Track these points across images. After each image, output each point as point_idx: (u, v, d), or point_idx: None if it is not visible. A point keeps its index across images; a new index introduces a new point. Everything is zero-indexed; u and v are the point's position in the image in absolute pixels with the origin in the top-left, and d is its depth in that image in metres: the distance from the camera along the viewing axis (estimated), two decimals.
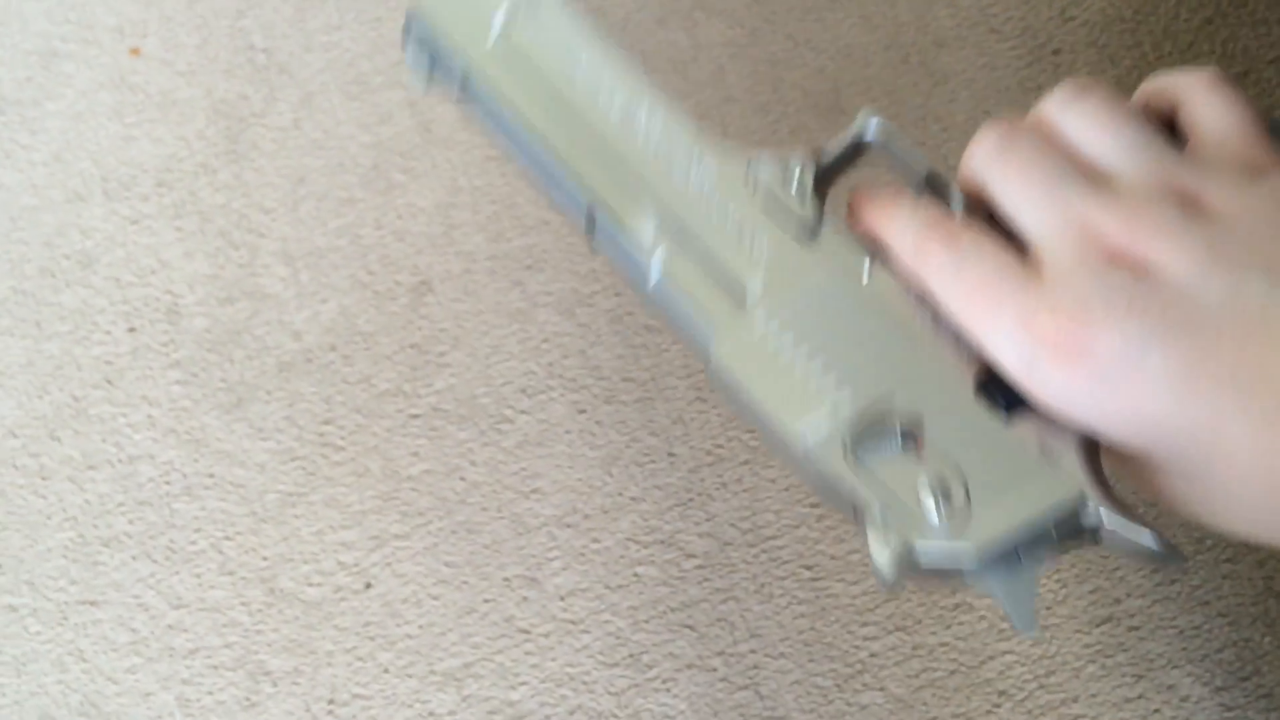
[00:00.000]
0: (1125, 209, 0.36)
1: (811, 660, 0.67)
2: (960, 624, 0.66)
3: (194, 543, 0.75)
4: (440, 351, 0.79)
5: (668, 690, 0.68)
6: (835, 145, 0.42)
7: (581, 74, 0.42)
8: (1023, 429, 0.35)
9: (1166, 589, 0.65)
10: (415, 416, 0.77)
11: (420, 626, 0.71)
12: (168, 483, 0.77)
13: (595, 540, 0.72)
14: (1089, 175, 0.37)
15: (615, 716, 0.67)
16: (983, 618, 0.66)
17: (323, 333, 0.80)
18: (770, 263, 0.38)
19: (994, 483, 0.34)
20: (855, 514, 0.36)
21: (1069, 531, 0.35)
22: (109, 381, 0.81)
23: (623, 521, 0.72)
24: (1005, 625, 0.66)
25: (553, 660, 0.69)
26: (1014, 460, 0.35)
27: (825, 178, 0.42)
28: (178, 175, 0.88)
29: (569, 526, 0.72)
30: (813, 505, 0.71)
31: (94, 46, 0.94)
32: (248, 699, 0.70)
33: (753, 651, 0.68)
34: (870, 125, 0.43)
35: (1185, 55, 0.80)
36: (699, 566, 0.70)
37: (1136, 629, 0.65)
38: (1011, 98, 0.81)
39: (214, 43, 0.92)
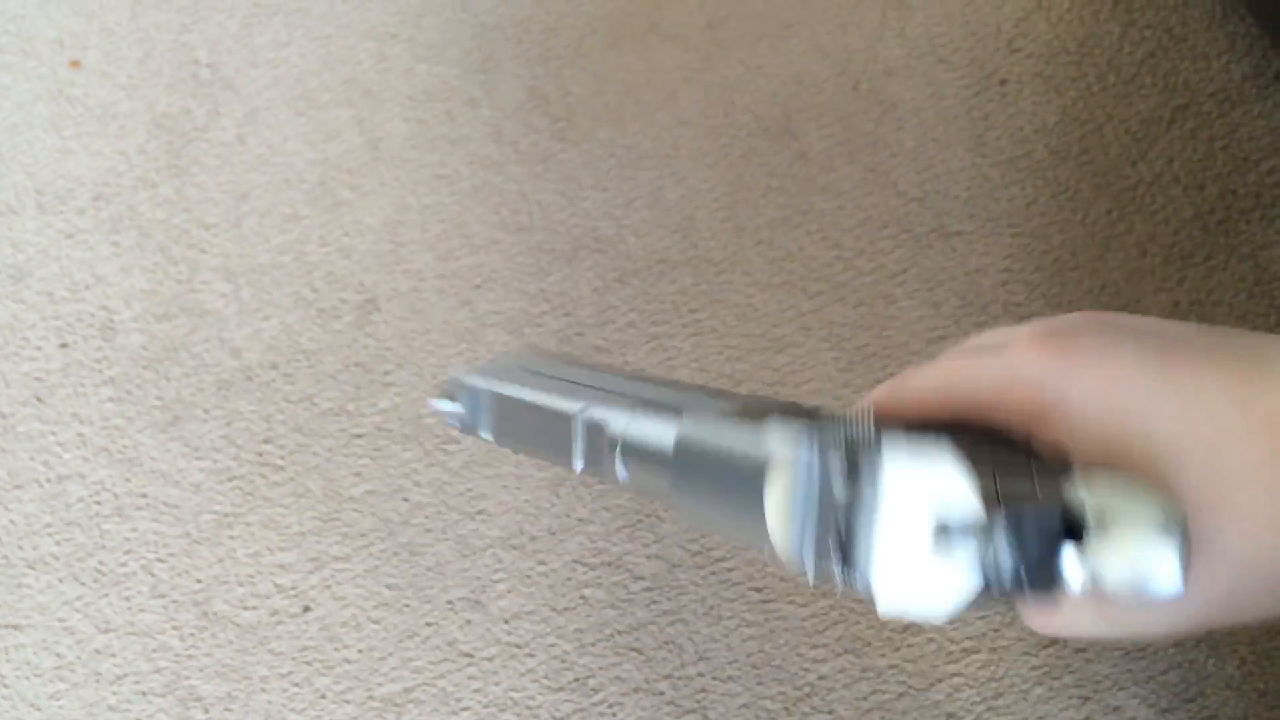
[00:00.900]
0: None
1: (760, 683, 0.66)
2: (909, 646, 0.66)
3: (124, 564, 0.72)
4: (385, 370, 0.77)
5: (614, 715, 0.66)
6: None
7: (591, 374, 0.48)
8: None
9: None
10: (358, 436, 0.75)
11: (360, 651, 0.69)
12: (98, 503, 0.74)
13: (542, 562, 0.70)
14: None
15: None
16: (931, 640, 0.66)
17: (264, 350, 0.79)
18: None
19: None
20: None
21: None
22: (38, 398, 0.78)
23: (570, 543, 0.71)
24: (954, 648, 0.66)
25: (496, 685, 0.67)
26: None
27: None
28: (116, 189, 0.86)
29: (515, 548, 0.71)
30: None
31: (32, 58, 0.92)
32: None
33: (701, 675, 0.66)
34: None
35: (1128, 87, 0.82)
36: (647, 589, 0.69)
37: (1083, 651, 0.65)
38: (959, 126, 0.82)
39: (157, 57, 0.91)
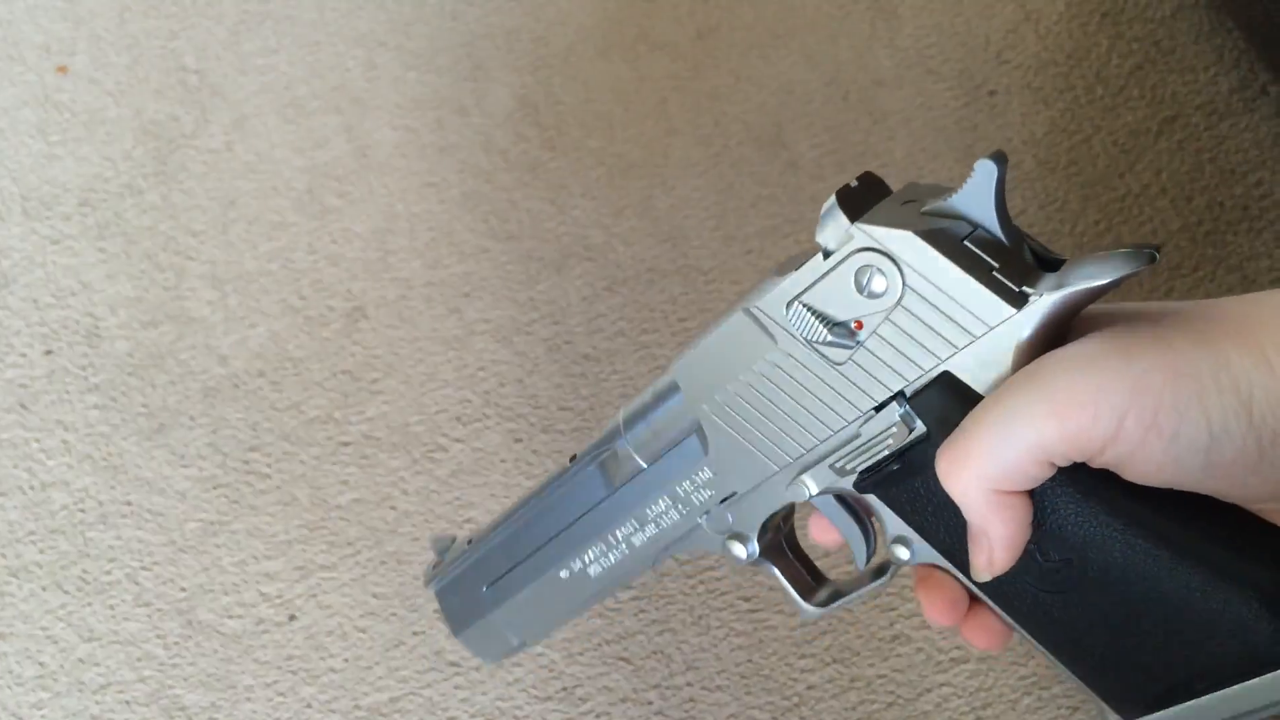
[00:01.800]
0: None
1: (749, 693, 0.66)
2: (898, 656, 0.66)
3: (108, 573, 0.72)
4: (373, 378, 0.77)
5: None
6: None
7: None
8: None
9: None
10: (345, 444, 0.75)
11: (346, 660, 0.69)
12: (82, 510, 0.74)
13: None
14: None
15: None
16: (920, 649, 0.66)
17: (251, 358, 0.78)
18: None
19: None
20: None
21: None
22: (23, 405, 0.77)
23: None
24: (943, 658, 0.66)
25: (483, 694, 0.67)
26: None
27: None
28: (102, 195, 0.85)
29: None
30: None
31: (19, 63, 0.91)
32: None
33: (689, 684, 0.66)
34: None
35: (1116, 99, 0.82)
36: (635, 598, 0.69)
37: None
38: (948, 136, 0.82)
39: (144, 63, 0.91)
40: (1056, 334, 0.34)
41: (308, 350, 0.78)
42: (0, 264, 0.83)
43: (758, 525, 0.43)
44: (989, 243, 0.34)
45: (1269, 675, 0.33)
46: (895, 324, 0.35)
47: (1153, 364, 0.32)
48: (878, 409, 0.37)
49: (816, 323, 0.36)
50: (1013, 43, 0.85)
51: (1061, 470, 0.34)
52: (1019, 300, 0.33)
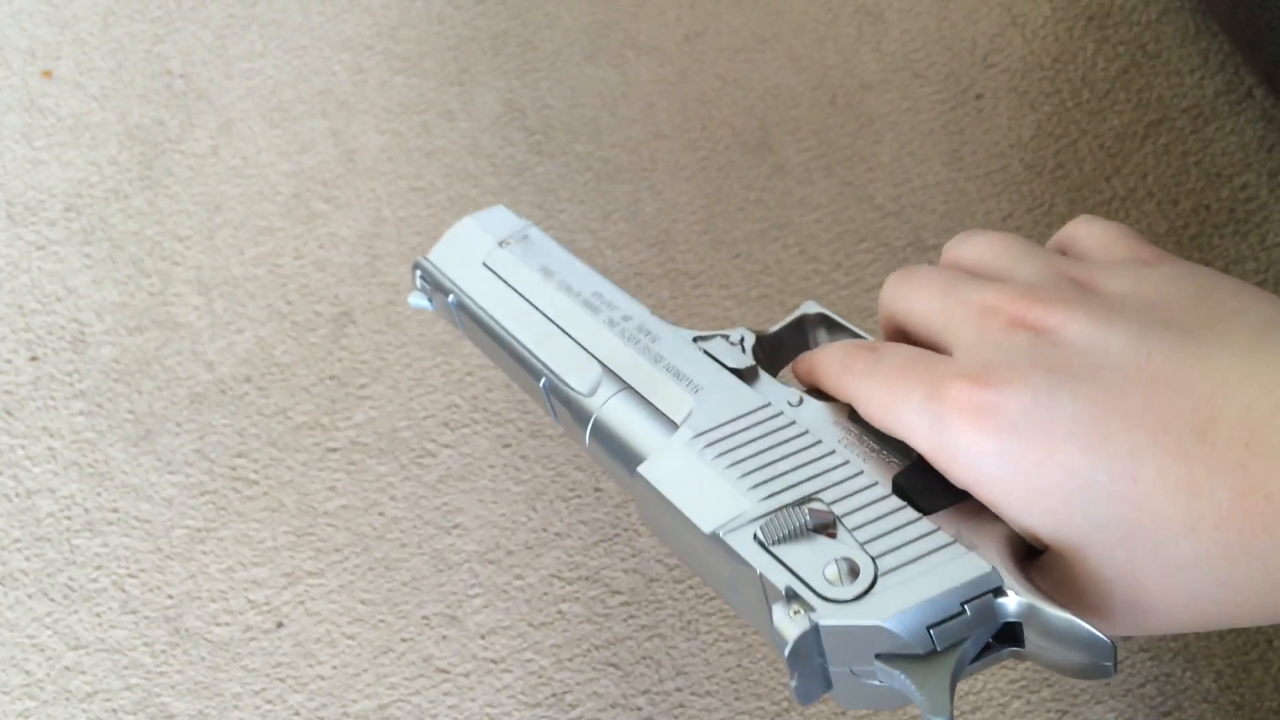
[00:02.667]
0: (1020, 288, 0.37)
1: (738, 698, 0.66)
2: None
3: (95, 580, 0.71)
4: (361, 384, 0.77)
5: None
6: (777, 325, 0.48)
7: (554, 279, 0.51)
8: (942, 523, 0.35)
9: None
10: (333, 450, 0.75)
11: (334, 667, 0.68)
12: (68, 517, 0.73)
13: (518, 577, 0.70)
14: (984, 276, 0.39)
15: None
16: None
17: (237, 363, 0.78)
18: (703, 394, 0.43)
19: (904, 565, 0.34)
20: (765, 597, 0.35)
21: (984, 617, 0.34)
22: (8, 412, 0.77)
23: (546, 557, 0.70)
24: None
25: (472, 701, 0.67)
26: (927, 547, 0.35)
27: (769, 346, 0.46)
28: (88, 201, 0.85)
29: (491, 563, 0.70)
30: None
31: (3, 68, 0.91)
32: None
33: (679, 690, 0.66)
34: (809, 305, 0.48)
35: (1102, 103, 0.83)
36: (624, 603, 0.69)
37: None
38: (935, 140, 0.82)
39: (129, 67, 0.90)
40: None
41: (295, 356, 0.78)
42: None
43: None
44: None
45: None
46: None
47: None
48: None
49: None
50: (999, 46, 0.86)
51: None
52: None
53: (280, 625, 0.70)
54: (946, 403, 0.34)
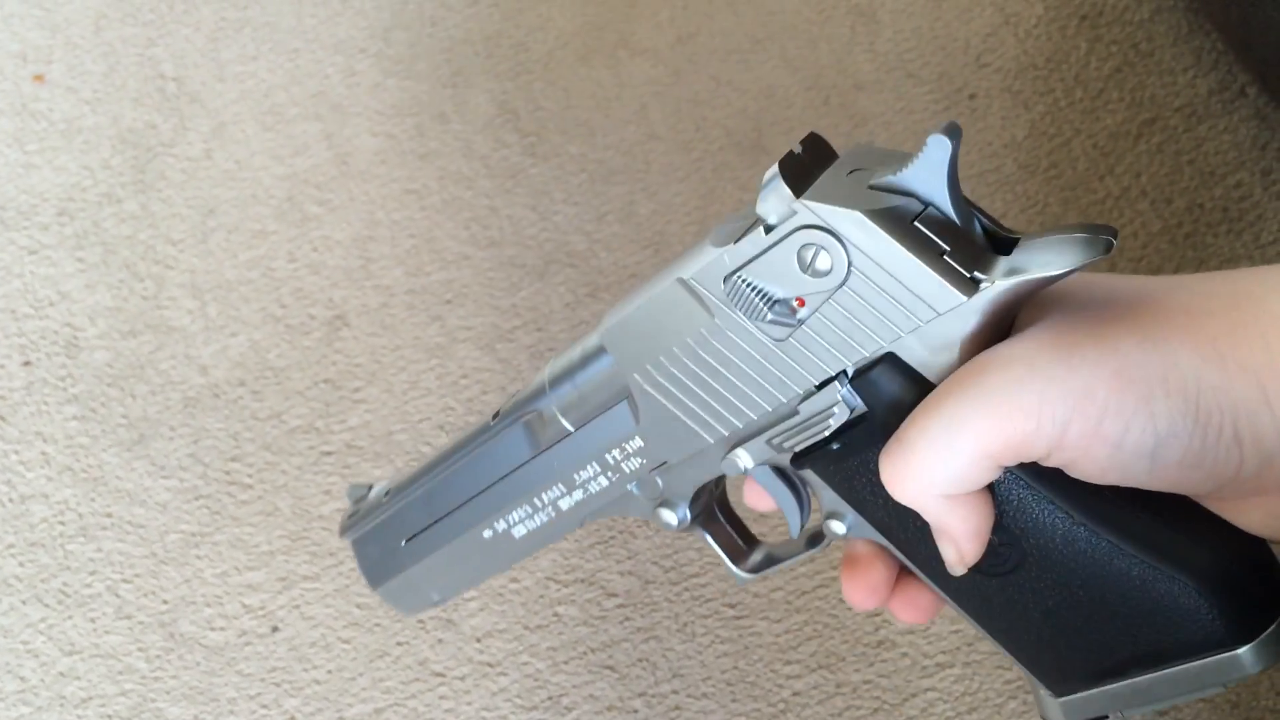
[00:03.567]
0: None
1: (735, 700, 0.65)
2: (884, 661, 0.66)
3: (89, 586, 0.71)
4: (355, 387, 0.77)
5: None
6: None
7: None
8: None
9: None
10: (328, 453, 0.75)
11: (329, 671, 0.68)
12: (62, 523, 0.73)
13: (514, 579, 0.70)
14: None
15: None
16: (905, 655, 0.66)
17: (231, 367, 0.78)
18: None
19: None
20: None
21: None
22: (1, 417, 0.77)
23: (542, 560, 0.70)
24: (929, 663, 0.66)
25: (469, 704, 0.67)
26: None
27: None
28: (80, 205, 0.85)
29: None
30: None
31: None
32: None
33: (675, 692, 0.66)
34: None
35: (1095, 102, 0.83)
36: (620, 605, 0.68)
37: None
38: None
39: (122, 71, 0.90)
40: (1006, 319, 0.33)
41: (289, 359, 0.78)
42: None
43: (690, 493, 0.41)
44: (940, 223, 0.32)
45: (1206, 659, 0.34)
46: (839, 305, 0.33)
47: (1096, 372, 0.31)
48: (818, 387, 0.35)
49: (756, 299, 0.34)
50: (992, 46, 0.86)
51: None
52: (970, 287, 0.32)
53: (275, 630, 0.69)
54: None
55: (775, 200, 0.33)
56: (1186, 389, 0.31)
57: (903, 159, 0.33)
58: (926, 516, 0.34)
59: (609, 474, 0.42)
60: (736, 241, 0.34)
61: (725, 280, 0.35)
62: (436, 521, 0.47)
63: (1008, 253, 0.33)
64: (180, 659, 0.69)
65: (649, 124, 0.85)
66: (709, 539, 0.44)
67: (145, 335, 0.79)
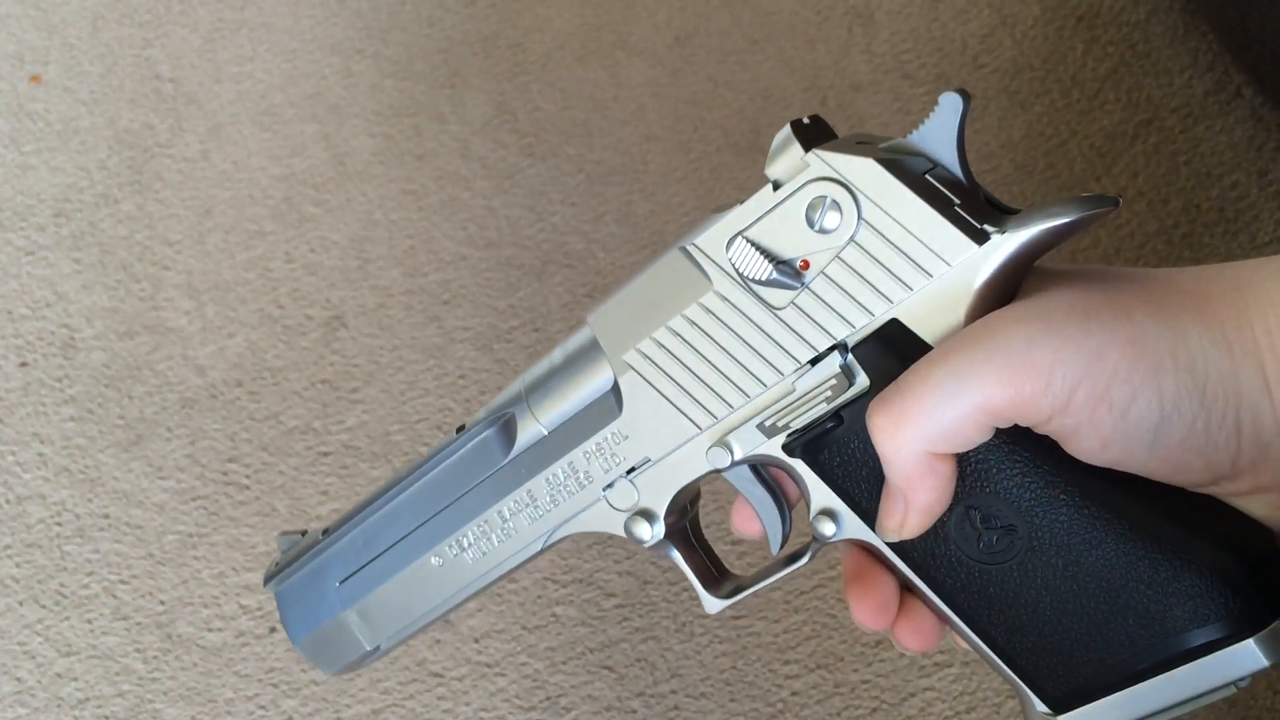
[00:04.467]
0: None
1: (733, 700, 0.65)
2: (882, 661, 0.66)
3: (86, 586, 0.71)
4: (353, 387, 0.77)
5: None
6: None
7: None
8: None
9: None
10: (325, 454, 0.75)
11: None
12: (59, 524, 0.73)
13: (512, 579, 0.70)
14: None
15: None
16: (903, 655, 0.66)
17: (229, 368, 0.78)
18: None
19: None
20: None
21: None
22: None
23: (540, 560, 0.70)
24: (927, 663, 0.66)
25: (466, 705, 0.66)
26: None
27: None
28: (77, 206, 0.85)
29: None
30: (734, 543, 0.70)
31: None
32: None
33: (673, 692, 0.66)
34: None
35: (1092, 103, 0.83)
36: (619, 605, 0.68)
37: None
38: None
39: (118, 71, 0.90)
40: (1012, 281, 0.33)
41: (286, 360, 0.78)
42: None
43: (667, 500, 0.39)
44: (949, 180, 0.33)
45: (1213, 655, 0.33)
46: (846, 263, 0.33)
47: (1110, 336, 0.31)
48: (816, 360, 0.35)
49: (760, 259, 0.34)
50: (989, 47, 0.86)
51: (1008, 434, 0.33)
52: (981, 237, 0.32)
53: (273, 630, 0.69)
54: None
55: (786, 158, 0.33)
56: (1195, 368, 0.31)
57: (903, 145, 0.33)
58: (893, 475, 0.33)
59: (579, 476, 0.40)
60: (742, 204, 0.34)
61: (729, 244, 0.34)
62: (380, 555, 0.44)
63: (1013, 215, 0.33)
64: (177, 660, 0.69)
65: (646, 125, 0.85)
66: (680, 560, 0.41)
67: (142, 336, 0.79)
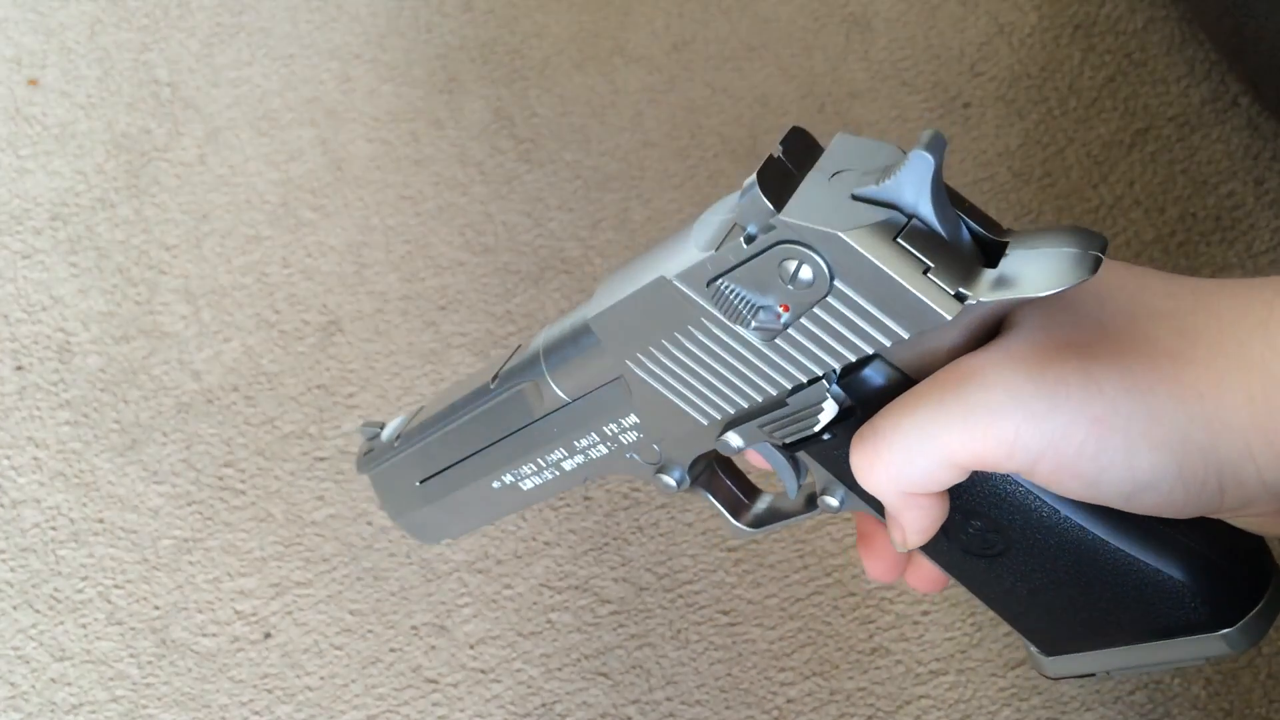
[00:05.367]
0: None
1: (728, 707, 0.65)
2: (877, 669, 0.66)
3: (80, 591, 0.71)
4: (349, 393, 0.77)
5: None
6: None
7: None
8: None
9: None
10: (321, 459, 0.74)
11: (322, 678, 0.68)
12: (53, 528, 0.73)
13: (507, 586, 0.70)
14: None
15: None
16: (899, 662, 0.66)
17: (224, 373, 0.78)
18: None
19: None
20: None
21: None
22: None
23: (536, 567, 0.70)
24: (922, 670, 0.66)
25: (461, 711, 0.66)
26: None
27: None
28: (74, 209, 0.84)
29: (480, 572, 0.70)
30: (729, 550, 0.70)
31: None
32: None
33: (668, 699, 0.66)
34: None
35: (1089, 111, 0.83)
36: (614, 612, 0.68)
37: None
38: None
39: (116, 75, 0.90)
40: (993, 326, 0.33)
41: (282, 365, 0.78)
42: None
43: (688, 461, 0.42)
44: (924, 236, 0.31)
45: (1188, 639, 0.34)
46: (821, 315, 0.33)
47: (1077, 413, 0.30)
48: (807, 384, 0.36)
49: (739, 305, 0.34)
50: (986, 55, 0.86)
51: None
52: (953, 304, 0.31)
53: (268, 636, 0.69)
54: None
55: (754, 211, 0.33)
56: (1170, 444, 0.30)
57: (889, 157, 0.32)
58: (884, 503, 0.34)
59: (607, 443, 0.42)
60: (718, 249, 0.34)
61: (708, 284, 0.35)
62: (450, 467, 0.48)
63: (997, 258, 0.32)
64: (172, 665, 0.68)
65: (644, 131, 0.85)
66: (709, 497, 0.44)
67: (138, 340, 0.79)
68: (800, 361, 0.35)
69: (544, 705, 0.66)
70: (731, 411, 0.38)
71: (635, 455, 0.42)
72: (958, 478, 0.33)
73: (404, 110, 0.87)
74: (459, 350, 0.77)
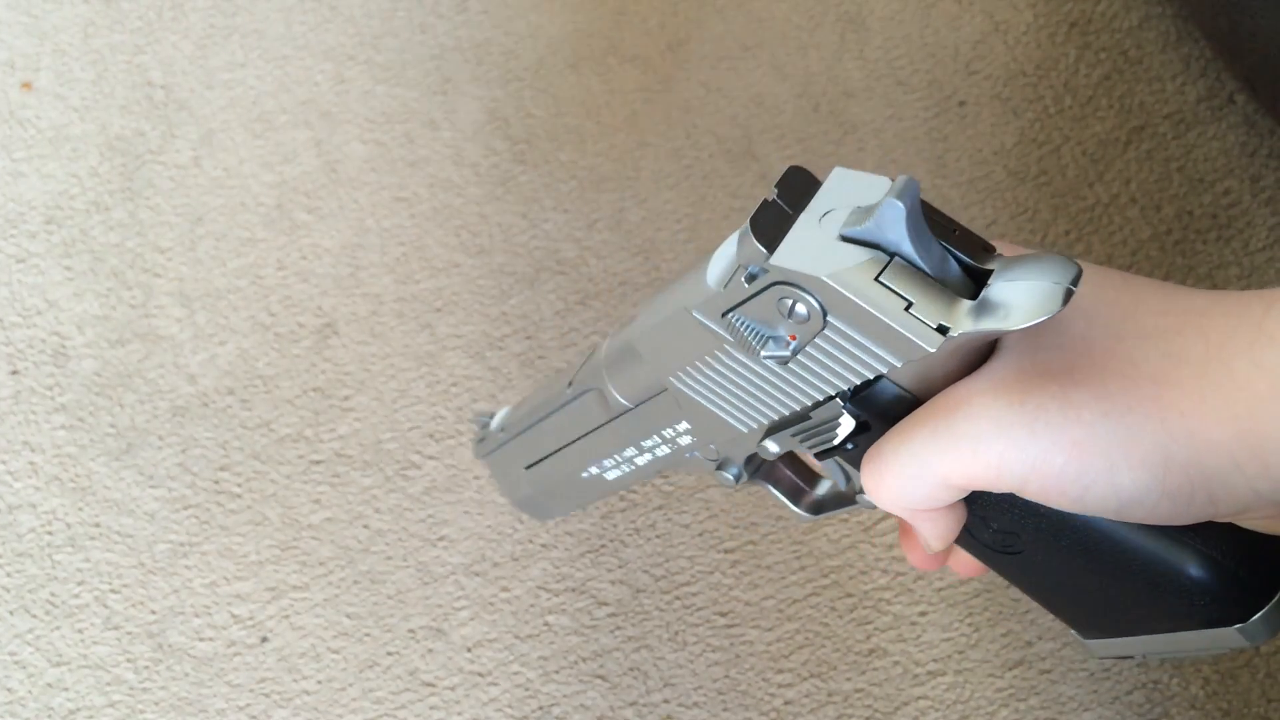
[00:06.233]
0: None
1: (726, 709, 0.65)
2: (875, 670, 0.66)
3: (77, 596, 0.71)
4: (344, 395, 0.76)
5: None
6: None
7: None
8: None
9: None
10: (317, 462, 0.74)
11: (319, 682, 0.68)
12: (50, 533, 0.73)
13: (505, 589, 0.69)
14: None
15: None
16: (897, 663, 0.66)
17: (220, 376, 0.77)
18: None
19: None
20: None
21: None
22: None
23: (533, 569, 0.70)
24: (920, 671, 0.66)
25: (459, 714, 0.66)
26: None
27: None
28: (68, 213, 0.84)
29: (477, 575, 0.70)
30: (726, 551, 0.70)
31: None
32: None
33: (666, 701, 0.66)
34: None
35: (1085, 109, 0.83)
36: (611, 614, 0.68)
37: (1048, 672, 0.65)
38: (919, 147, 0.82)
39: (110, 78, 0.90)
40: (982, 350, 0.35)
41: (278, 368, 0.78)
42: None
43: (743, 459, 0.45)
44: (907, 273, 0.33)
45: (1206, 631, 0.37)
46: (823, 344, 0.36)
47: (1056, 439, 0.32)
48: (824, 401, 0.38)
49: (751, 336, 0.37)
50: (982, 53, 0.86)
51: None
52: (934, 338, 0.33)
53: (265, 640, 0.69)
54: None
55: (750, 254, 0.36)
56: (1152, 463, 0.31)
57: (880, 194, 0.34)
58: (899, 516, 0.37)
59: (668, 444, 0.46)
60: (725, 286, 0.37)
61: (723, 316, 0.38)
62: (547, 457, 0.53)
63: (979, 288, 0.34)
64: (169, 670, 0.68)
65: (639, 131, 0.85)
66: (770, 488, 0.47)
67: (133, 344, 0.79)
68: (813, 383, 0.38)
69: (542, 708, 0.66)
70: (765, 422, 0.41)
71: (696, 454, 0.46)
72: (958, 496, 0.35)
73: (398, 111, 0.87)
74: (454, 352, 0.77)
